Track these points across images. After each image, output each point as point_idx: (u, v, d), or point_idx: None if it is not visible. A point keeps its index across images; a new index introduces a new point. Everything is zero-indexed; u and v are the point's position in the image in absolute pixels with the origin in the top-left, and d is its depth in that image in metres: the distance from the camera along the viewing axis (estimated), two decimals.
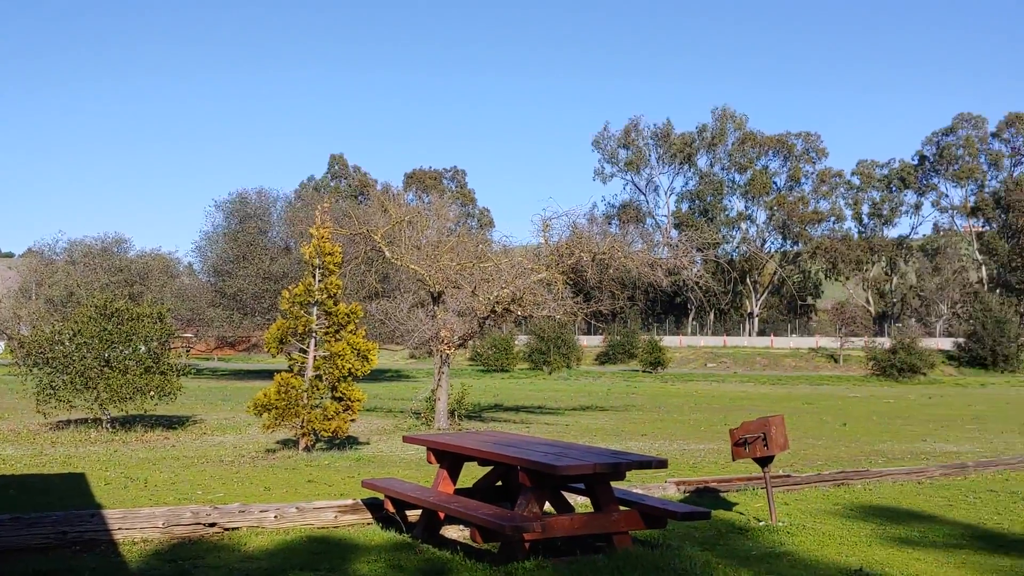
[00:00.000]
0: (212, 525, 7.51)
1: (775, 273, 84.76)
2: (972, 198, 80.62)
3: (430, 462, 8.03)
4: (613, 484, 7.31)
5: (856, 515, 9.15)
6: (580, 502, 8.49)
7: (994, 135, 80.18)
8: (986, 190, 79.66)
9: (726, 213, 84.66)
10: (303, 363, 14.83)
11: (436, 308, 19.45)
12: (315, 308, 14.81)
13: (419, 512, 7.72)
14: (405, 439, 8.74)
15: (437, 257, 19.52)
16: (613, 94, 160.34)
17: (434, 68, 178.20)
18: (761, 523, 8.51)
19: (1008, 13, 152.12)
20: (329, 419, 14.30)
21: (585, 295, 24.10)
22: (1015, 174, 78.63)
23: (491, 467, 7.97)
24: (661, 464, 7.07)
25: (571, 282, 21.42)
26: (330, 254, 14.85)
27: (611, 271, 20.05)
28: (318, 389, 14.54)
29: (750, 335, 78.52)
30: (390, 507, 7.89)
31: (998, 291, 73.40)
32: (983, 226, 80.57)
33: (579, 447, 7.95)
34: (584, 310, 21.02)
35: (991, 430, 20.80)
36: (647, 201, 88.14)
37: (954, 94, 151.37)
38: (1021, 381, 51.85)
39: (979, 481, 11.71)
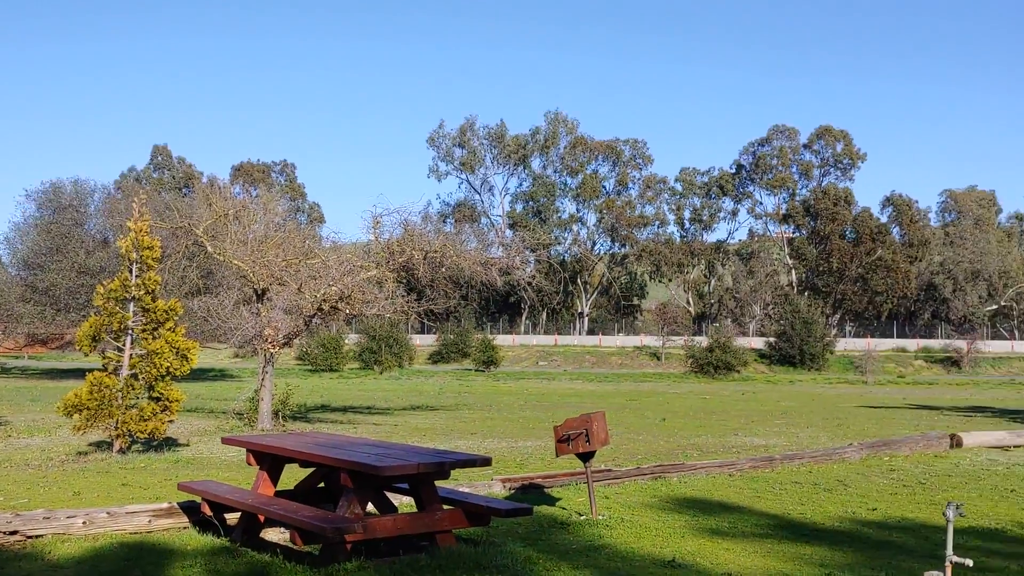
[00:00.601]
0: (13, 533, 7.08)
1: (604, 274, 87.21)
2: (784, 206, 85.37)
3: (250, 464, 7.84)
4: (438, 483, 7.34)
5: (672, 507, 9.52)
6: (405, 502, 8.48)
7: (805, 146, 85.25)
8: (797, 198, 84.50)
9: (558, 215, 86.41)
10: (118, 361, 14.15)
11: (260, 305, 18.96)
12: (132, 304, 14.16)
13: (238, 515, 7.53)
14: (224, 440, 8.51)
15: (262, 253, 19.03)
16: (448, 92, 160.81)
17: (265, 59, 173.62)
18: (582, 517, 8.73)
19: (822, 30, 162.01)
20: (146, 420, 13.71)
21: (417, 293, 24.05)
22: (823, 184, 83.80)
23: (313, 469, 7.86)
24: (485, 462, 7.15)
25: (403, 280, 21.34)
26: (148, 248, 14.22)
27: (444, 270, 20.10)
28: (134, 389, 13.91)
29: (580, 334, 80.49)
30: (207, 510, 7.65)
31: (806, 294, 78.00)
32: (794, 232, 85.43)
33: (403, 447, 7.94)
34: (415, 309, 20.98)
35: (797, 424, 22.06)
36: (482, 201, 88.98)
37: (770, 106, 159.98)
38: (826, 378, 55.33)
39: (785, 473, 12.40)
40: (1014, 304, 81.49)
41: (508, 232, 79.73)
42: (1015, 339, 74.87)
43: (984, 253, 78.27)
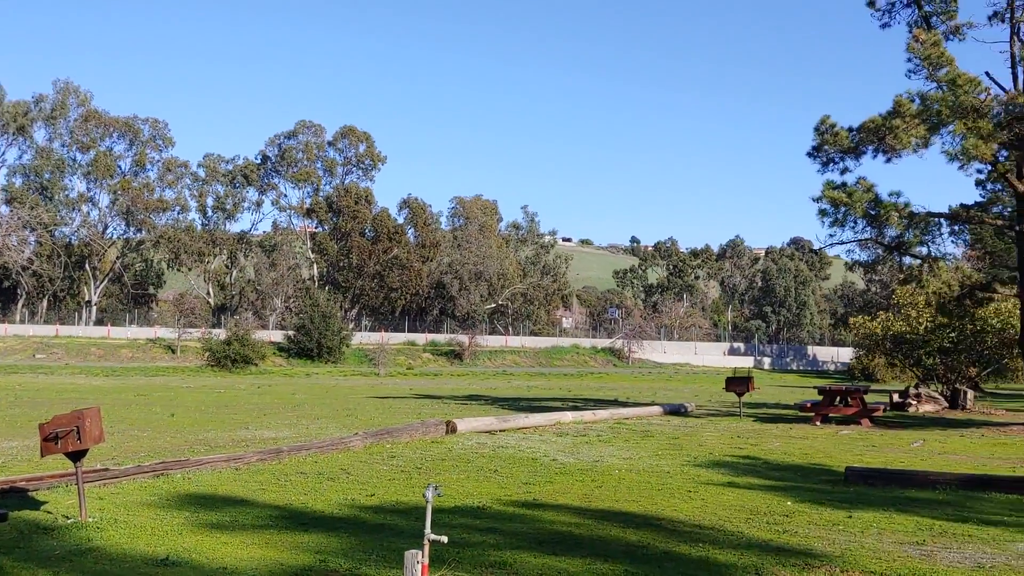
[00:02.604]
0: None
1: (116, 261, 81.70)
2: (308, 200, 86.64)
3: None
4: None
5: (173, 505, 9.24)
6: None
7: (330, 144, 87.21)
8: (321, 194, 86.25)
9: (66, 193, 79.18)
10: None
11: None
12: None
13: None
14: None
15: None
16: None
17: None
18: (70, 520, 8.16)
19: (353, 30, 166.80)
20: None
21: None
22: (346, 182, 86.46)
23: None
24: None
25: None
26: None
27: None
28: None
29: (87, 325, 74.44)
30: None
31: (327, 288, 79.87)
32: (316, 227, 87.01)
33: None
34: None
35: (309, 416, 22.51)
36: None
37: (299, 101, 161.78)
38: (342, 371, 57.15)
39: (292, 464, 12.61)
40: (509, 303, 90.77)
41: (4, 209, 71.43)
42: (509, 335, 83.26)
43: (486, 257, 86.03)
